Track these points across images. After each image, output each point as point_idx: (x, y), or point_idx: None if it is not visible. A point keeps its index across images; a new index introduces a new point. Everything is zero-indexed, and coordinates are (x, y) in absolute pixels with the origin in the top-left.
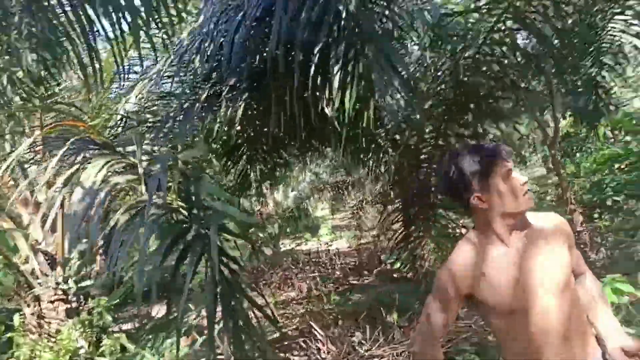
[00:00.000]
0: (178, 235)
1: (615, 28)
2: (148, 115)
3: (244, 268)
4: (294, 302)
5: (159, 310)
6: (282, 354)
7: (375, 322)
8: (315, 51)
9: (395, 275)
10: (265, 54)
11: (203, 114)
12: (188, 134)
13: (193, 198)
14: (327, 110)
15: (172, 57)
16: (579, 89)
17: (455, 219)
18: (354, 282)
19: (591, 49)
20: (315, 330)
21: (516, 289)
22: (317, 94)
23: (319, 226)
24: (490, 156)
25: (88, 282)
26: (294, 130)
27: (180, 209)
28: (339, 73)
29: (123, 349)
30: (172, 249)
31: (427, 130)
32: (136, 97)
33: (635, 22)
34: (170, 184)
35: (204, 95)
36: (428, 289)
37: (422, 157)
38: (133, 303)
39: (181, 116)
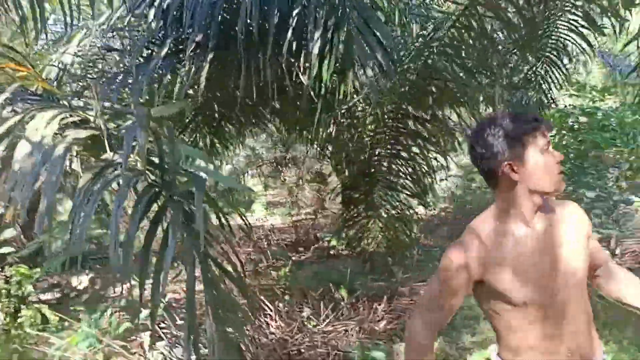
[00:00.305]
0: (151, 201)
1: (562, 26)
2: (90, 71)
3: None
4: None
5: (80, 281)
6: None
7: (323, 298)
8: (294, 14)
9: (332, 253)
10: (236, 13)
11: (161, 72)
12: (143, 91)
13: (166, 160)
14: (304, 79)
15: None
16: (519, 83)
17: (405, 199)
18: (292, 258)
19: (538, 45)
20: (265, 304)
21: (536, 278)
22: (292, 60)
23: (252, 201)
24: (532, 124)
25: (9, 249)
26: (259, 98)
27: (151, 171)
28: (318, 40)
29: (45, 320)
30: (144, 217)
31: (385, 110)
32: (76, 48)
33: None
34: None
35: (163, 52)
36: (373, 269)
37: (376, 137)
38: (52, 273)
39: (132, 73)
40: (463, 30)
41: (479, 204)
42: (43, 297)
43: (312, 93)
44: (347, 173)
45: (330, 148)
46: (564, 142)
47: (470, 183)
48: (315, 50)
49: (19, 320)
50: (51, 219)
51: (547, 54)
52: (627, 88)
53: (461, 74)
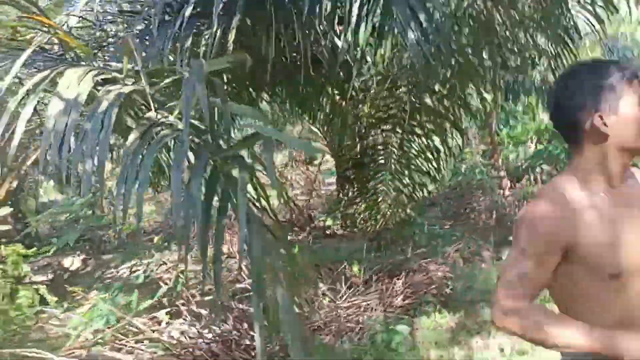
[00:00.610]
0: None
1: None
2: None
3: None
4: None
5: (72, 262)
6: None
7: (336, 275)
8: None
9: (328, 232)
10: None
11: (184, 34)
12: (164, 54)
13: (221, 121)
14: (340, 43)
15: None
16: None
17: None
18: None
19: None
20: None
21: (629, 246)
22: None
23: None
24: (627, 72)
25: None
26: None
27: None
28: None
29: (43, 301)
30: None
31: (400, 84)
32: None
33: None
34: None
35: (187, 12)
36: (379, 247)
37: (389, 111)
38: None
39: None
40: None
41: (469, 185)
42: (34, 278)
43: (348, 58)
44: (356, 149)
45: (331, 126)
46: None
47: (460, 164)
48: (355, 10)
49: (17, 301)
50: (103, 182)
51: (559, 31)
52: None
53: (486, 49)
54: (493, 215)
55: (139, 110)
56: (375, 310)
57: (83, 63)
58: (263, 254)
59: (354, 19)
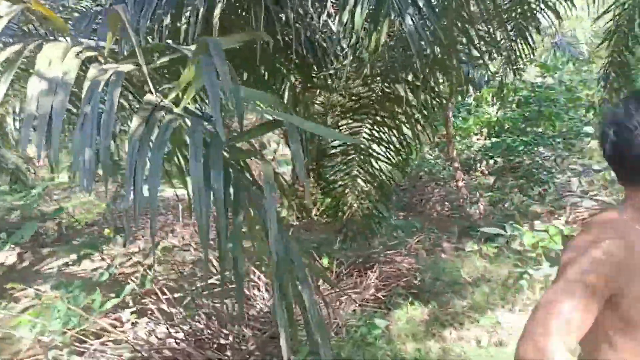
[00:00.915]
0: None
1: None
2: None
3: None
4: (177, 248)
5: (6, 257)
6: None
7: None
8: None
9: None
10: None
11: (162, 9)
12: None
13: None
14: (333, 26)
15: None
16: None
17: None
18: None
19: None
20: (254, 273)
21: None
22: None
23: None
24: None
25: None
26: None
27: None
28: None
29: None
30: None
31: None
32: None
33: None
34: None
35: None
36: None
37: (360, 101)
38: None
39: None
40: None
41: (431, 173)
42: None
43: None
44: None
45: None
46: (508, 115)
47: (424, 154)
48: None
49: None
50: (111, 169)
51: (519, 23)
52: (567, 65)
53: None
54: (448, 206)
55: (131, 93)
56: (349, 303)
57: (61, 38)
58: (287, 253)
59: (351, 1)
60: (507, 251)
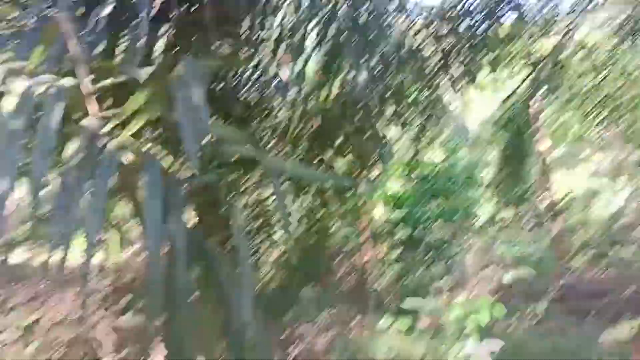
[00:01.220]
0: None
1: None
2: None
3: None
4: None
5: None
6: None
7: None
8: None
9: None
10: None
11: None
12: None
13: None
14: (282, 75)
15: None
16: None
17: None
18: None
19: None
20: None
21: None
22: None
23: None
24: None
25: None
26: None
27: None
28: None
29: None
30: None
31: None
32: None
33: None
34: None
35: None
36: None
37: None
38: None
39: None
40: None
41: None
42: None
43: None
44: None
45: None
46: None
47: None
48: (310, 42)
49: None
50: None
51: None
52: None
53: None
54: (354, 281)
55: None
56: None
57: None
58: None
59: (308, 50)
60: (420, 327)
